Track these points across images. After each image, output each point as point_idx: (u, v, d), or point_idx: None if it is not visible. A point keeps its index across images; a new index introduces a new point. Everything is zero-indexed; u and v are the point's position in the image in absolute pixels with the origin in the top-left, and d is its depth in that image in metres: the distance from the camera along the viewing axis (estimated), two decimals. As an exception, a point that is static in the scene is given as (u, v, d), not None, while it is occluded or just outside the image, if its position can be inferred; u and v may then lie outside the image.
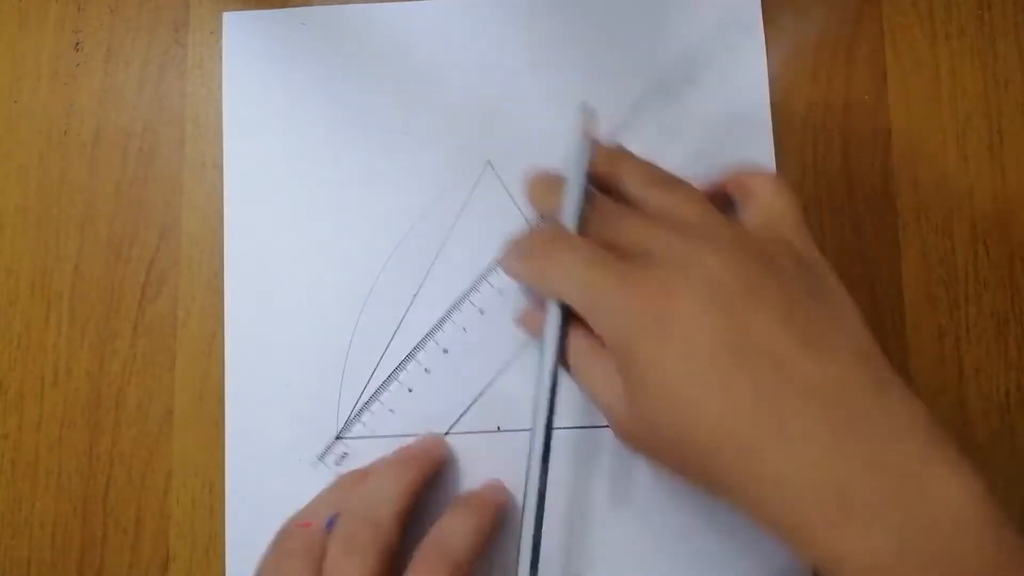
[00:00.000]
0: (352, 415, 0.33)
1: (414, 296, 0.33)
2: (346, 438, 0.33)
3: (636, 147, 0.34)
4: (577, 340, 0.28)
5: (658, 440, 0.25)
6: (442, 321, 0.33)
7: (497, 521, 0.30)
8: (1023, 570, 0.20)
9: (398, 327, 0.33)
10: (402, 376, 0.33)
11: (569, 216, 0.28)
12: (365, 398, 0.33)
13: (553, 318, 0.27)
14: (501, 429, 0.33)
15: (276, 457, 0.32)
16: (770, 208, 0.28)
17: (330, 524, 0.29)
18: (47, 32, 0.36)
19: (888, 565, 0.21)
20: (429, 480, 0.31)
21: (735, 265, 0.25)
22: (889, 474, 0.21)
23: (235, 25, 0.35)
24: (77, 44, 0.36)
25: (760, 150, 0.33)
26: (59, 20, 0.36)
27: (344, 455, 0.32)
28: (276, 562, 0.28)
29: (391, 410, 0.33)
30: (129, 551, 0.33)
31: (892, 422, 0.22)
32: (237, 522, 0.32)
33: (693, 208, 0.27)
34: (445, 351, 0.33)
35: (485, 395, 0.33)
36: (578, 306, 0.27)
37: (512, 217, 0.34)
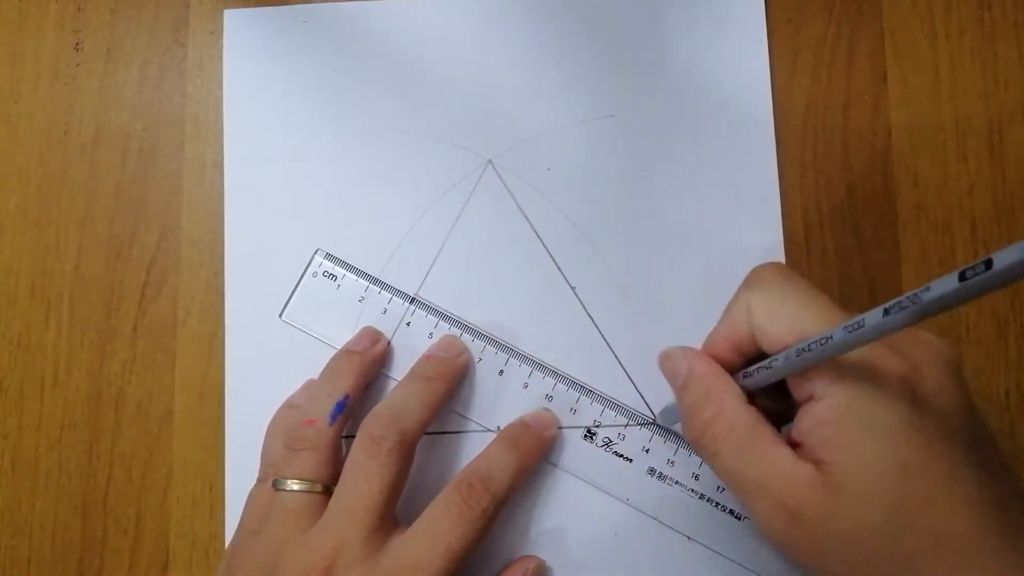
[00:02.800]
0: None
1: (415, 295, 0.33)
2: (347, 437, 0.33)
3: (637, 146, 0.34)
4: (747, 407, 0.25)
5: (859, 537, 0.22)
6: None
7: (541, 460, 0.31)
8: None
9: (398, 326, 0.33)
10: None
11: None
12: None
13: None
14: (501, 429, 0.33)
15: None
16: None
17: (333, 418, 0.29)
18: (47, 32, 0.36)
19: None
20: (454, 391, 0.31)
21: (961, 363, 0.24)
22: None
23: (236, 23, 0.35)
24: (77, 44, 0.36)
25: (761, 150, 0.34)
26: (59, 20, 0.36)
27: None
28: (287, 456, 0.29)
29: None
30: (129, 551, 0.33)
31: None
32: (237, 522, 0.32)
33: None
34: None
35: (485, 396, 0.33)
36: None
37: (513, 216, 0.34)
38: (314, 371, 0.33)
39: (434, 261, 0.33)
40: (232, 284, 0.34)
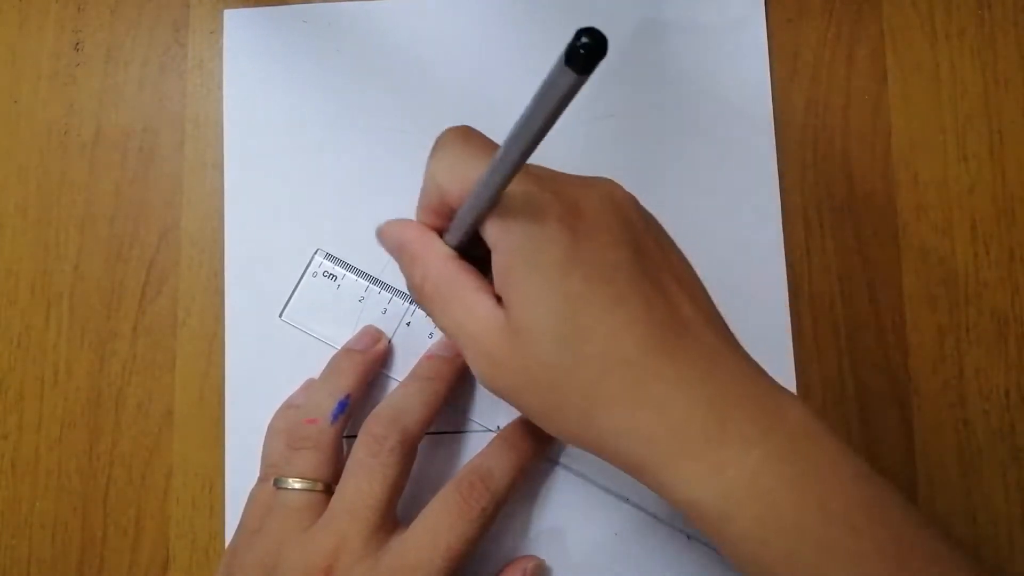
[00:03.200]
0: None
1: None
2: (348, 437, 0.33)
3: (637, 146, 0.34)
4: (446, 263, 0.25)
5: (538, 371, 0.23)
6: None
7: (540, 459, 0.31)
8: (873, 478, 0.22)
9: (398, 326, 0.33)
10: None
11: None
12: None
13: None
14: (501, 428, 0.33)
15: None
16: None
17: (335, 417, 0.29)
18: (47, 32, 0.36)
19: (766, 484, 0.22)
20: (454, 391, 0.31)
21: (633, 199, 0.26)
22: (755, 405, 0.23)
23: (236, 22, 0.35)
24: (77, 44, 0.36)
25: (761, 150, 0.33)
26: (59, 20, 0.36)
27: None
28: (288, 455, 0.29)
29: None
30: (129, 551, 0.33)
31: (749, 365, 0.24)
32: (237, 522, 0.32)
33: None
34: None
35: (486, 396, 0.33)
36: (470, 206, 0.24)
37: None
38: (314, 371, 0.33)
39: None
40: (232, 284, 0.34)
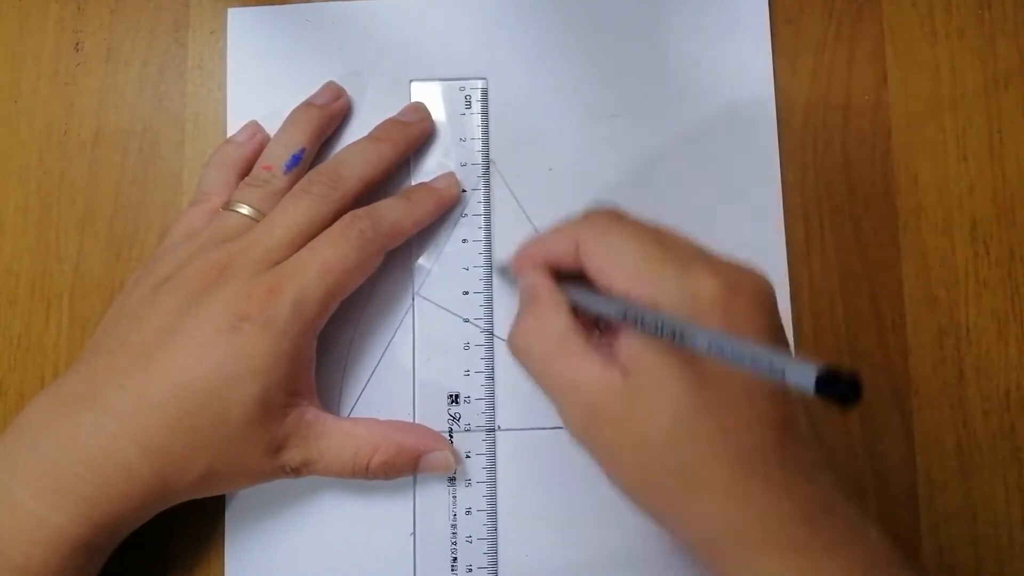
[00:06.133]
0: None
1: (415, 294, 0.33)
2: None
3: (640, 146, 0.34)
4: (567, 317, 0.26)
5: (648, 435, 0.24)
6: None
7: (435, 216, 0.33)
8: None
9: (399, 325, 0.33)
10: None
11: None
12: (368, 392, 0.33)
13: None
14: (501, 428, 0.33)
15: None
16: None
17: (289, 168, 0.31)
18: (47, 32, 0.36)
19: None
20: (405, 155, 0.33)
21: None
22: (842, 518, 0.24)
23: (239, 21, 0.35)
24: (77, 44, 0.36)
25: (764, 149, 0.33)
26: (59, 20, 0.36)
27: None
28: (241, 187, 0.32)
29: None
30: (129, 551, 0.33)
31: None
32: (237, 522, 0.32)
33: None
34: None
35: (485, 395, 0.33)
36: (632, 278, 0.25)
37: (515, 216, 0.34)
38: (315, 371, 0.33)
39: (435, 261, 0.33)
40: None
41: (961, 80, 0.34)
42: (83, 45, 0.36)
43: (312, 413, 0.29)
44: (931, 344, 0.33)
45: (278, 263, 0.29)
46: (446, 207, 0.33)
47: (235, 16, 0.35)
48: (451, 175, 0.33)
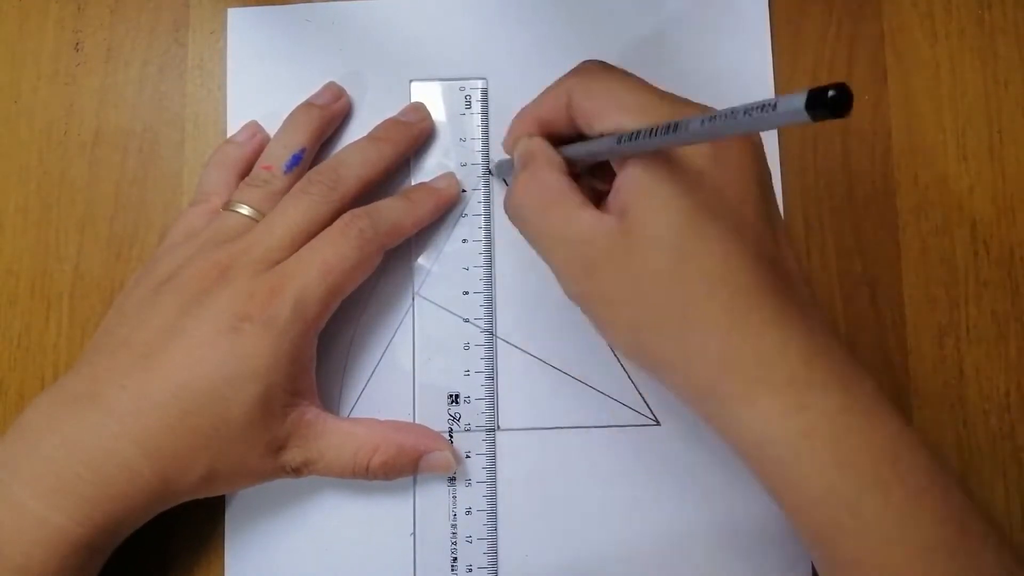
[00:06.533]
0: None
1: (415, 294, 0.33)
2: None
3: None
4: (559, 173, 0.26)
5: (642, 279, 0.24)
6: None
7: (436, 216, 0.33)
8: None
9: (399, 325, 0.33)
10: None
11: None
12: (368, 392, 0.33)
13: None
14: (502, 428, 0.33)
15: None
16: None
17: (289, 168, 0.31)
18: (47, 32, 0.36)
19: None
20: (404, 155, 0.33)
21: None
22: (838, 362, 0.24)
23: (239, 21, 0.35)
24: (77, 44, 0.36)
25: (766, 148, 0.33)
26: (59, 20, 0.36)
27: None
28: (241, 187, 0.31)
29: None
30: (129, 551, 0.33)
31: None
32: (237, 522, 0.32)
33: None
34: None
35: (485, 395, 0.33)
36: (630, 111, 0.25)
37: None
38: (316, 370, 0.33)
39: (435, 261, 0.33)
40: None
41: (961, 80, 0.34)
42: (83, 45, 0.36)
43: (312, 413, 0.29)
44: (931, 344, 0.33)
45: (279, 263, 0.29)
46: (446, 207, 0.33)
47: (235, 16, 0.35)
48: (451, 175, 0.33)
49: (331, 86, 0.34)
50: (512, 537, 0.32)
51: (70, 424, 0.27)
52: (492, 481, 0.32)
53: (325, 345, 0.31)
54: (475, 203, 0.34)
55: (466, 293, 0.33)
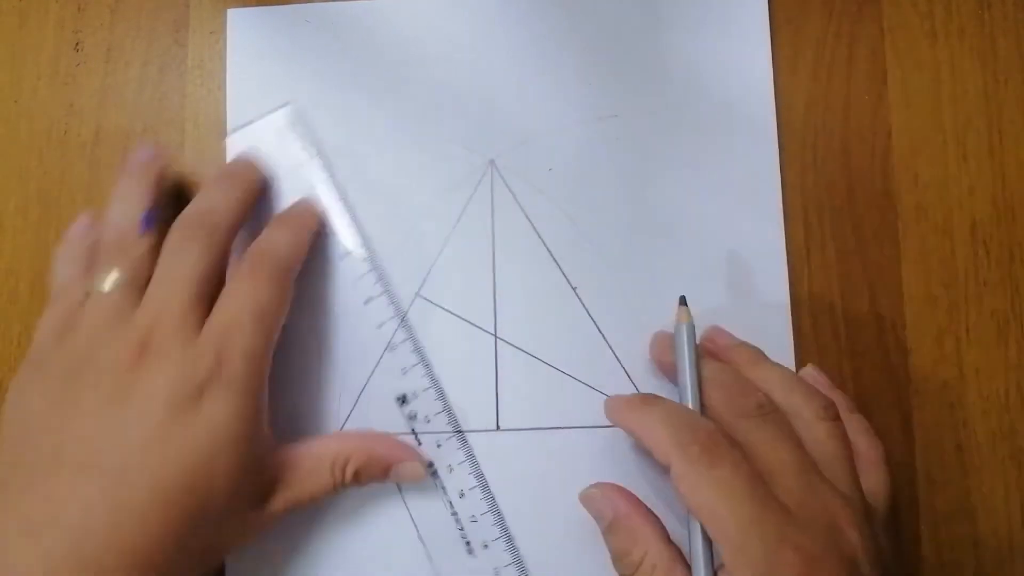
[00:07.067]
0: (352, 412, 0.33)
1: (416, 295, 0.33)
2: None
3: (639, 146, 0.34)
4: (668, 547, 0.27)
5: None
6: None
7: (316, 233, 0.32)
8: None
9: (399, 325, 0.33)
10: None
11: (689, 399, 0.28)
12: (367, 393, 0.33)
13: (698, 539, 0.26)
14: (502, 428, 0.33)
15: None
16: (870, 487, 0.28)
17: (147, 227, 0.29)
18: (47, 32, 0.36)
19: None
20: (257, 197, 0.32)
21: (871, 558, 0.25)
22: None
23: (239, 22, 0.35)
24: (77, 44, 0.36)
25: (764, 150, 0.33)
26: (59, 20, 0.36)
27: None
28: (100, 267, 0.28)
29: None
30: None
31: None
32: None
33: (835, 443, 0.27)
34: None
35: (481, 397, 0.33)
36: (727, 536, 0.25)
37: (515, 217, 0.34)
38: (314, 372, 0.33)
39: (435, 261, 0.33)
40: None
41: (961, 80, 0.34)
42: (83, 45, 0.36)
43: (281, 451, 0.29)
44: (931, 344, 0.33)
45: (201, 324, 0.27)
46: (321, 225, 0.33)
47: (235, 16, 0.35)
48: (304, 200, 0.33)
49: (143, 143, 0.33)
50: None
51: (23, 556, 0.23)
52: (486, 487, 0.32)
53: (322, 352, 0.31)
54: (476, 203, 0.34)
55: (467, 293, 0.33)
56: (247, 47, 0.35)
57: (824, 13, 0.35)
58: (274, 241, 0.30)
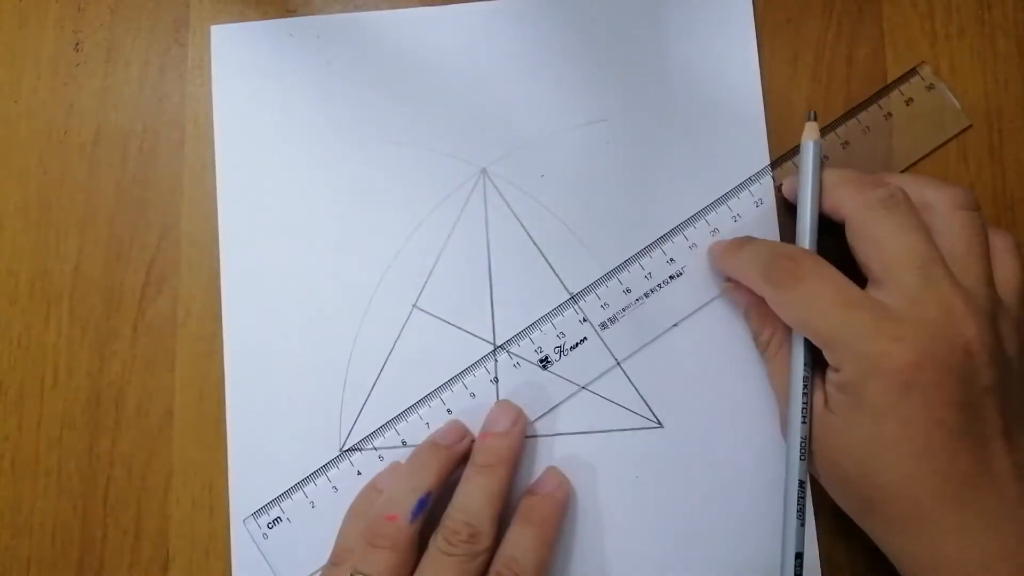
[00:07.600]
0: (353, 428, 0.33)
1: (413, 305, 0.33)
2: (357, 449, 0.33)
3: (631, 150, 0.34)
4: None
5: (842, 470, 0.27)
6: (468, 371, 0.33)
7: (561, 526, 0.31)
8: None
9: (399, 334, 0.33)
10: (422, 411, 0.33)
11: (807, 235, 0.29)
12: (370, 405, 0.33)
13: (799, 363, 0.29)
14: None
15: (278, 457, 0.32)
16: (1000, 276, 0.28)
17: (415, 516, 0.29)
18: (47, 32, 0.36)
19: None
20: (516, 470, 0.31)
21: (989, 351, 0.25)
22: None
23: (223, 37, 0.35)
24: (77, 44, 0.36)
25: (754, 151, 0.33)
26: (59, 20, 0.36)
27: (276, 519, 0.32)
28: (366, 552, 0.29)
29: (403, 441, 0.32)
30: (129, 551, 0.33)
31: None
32: (239, 522, 0.32)
33: (969, 233, 0.27)
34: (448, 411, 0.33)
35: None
36: (822, 341, 0.27)
37: (508, 224, 0.34)
38: (314, 375, 0.33)
39: (431, 271, 0.33)
40: (229, 295, 0.33)
41: (961, 80, 0.34)
42: (83, 45, 0.36)
43: None
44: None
45: None
46: (566, 508, 0.32)
47: (218, 32, 0.35)
48: (554, 469, 0.32)
49: (455, 425, 0.32)
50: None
51: None
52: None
53: (323, 362, 0.31)
54: (470, 211, 0.34)
55: (464, 303, 0.33)
56: (232, 62, 0.35)
57: (824, 13, 0.35)
58: (525, 549, 0.29)
